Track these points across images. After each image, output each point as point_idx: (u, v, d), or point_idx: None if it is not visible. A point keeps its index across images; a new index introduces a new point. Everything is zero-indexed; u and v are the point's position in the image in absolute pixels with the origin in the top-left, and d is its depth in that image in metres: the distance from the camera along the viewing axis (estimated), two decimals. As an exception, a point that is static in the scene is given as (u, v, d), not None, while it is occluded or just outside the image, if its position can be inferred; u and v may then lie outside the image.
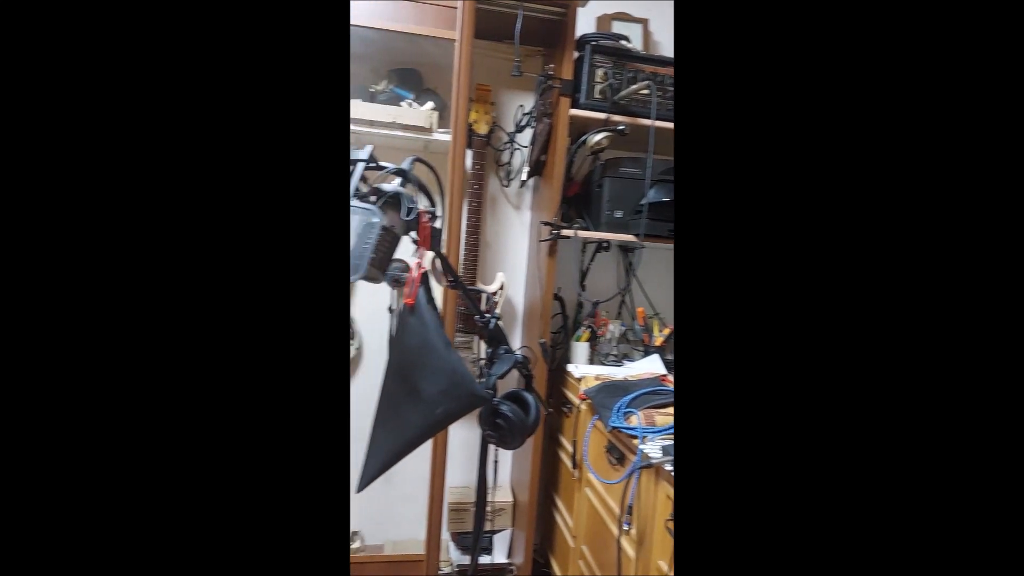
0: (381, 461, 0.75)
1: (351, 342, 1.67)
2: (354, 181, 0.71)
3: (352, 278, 0.68)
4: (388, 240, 0.72)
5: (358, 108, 1.48)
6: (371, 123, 1.49)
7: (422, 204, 0.78)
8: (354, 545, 1.71)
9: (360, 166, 0.71)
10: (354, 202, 0.72)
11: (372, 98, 1.53)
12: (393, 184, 0.76)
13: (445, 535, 1.76)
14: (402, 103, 1.54)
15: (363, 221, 0.72)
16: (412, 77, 1.59)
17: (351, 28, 1.38)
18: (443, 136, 1.54)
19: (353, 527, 1.76)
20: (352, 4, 1.35)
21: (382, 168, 0.74)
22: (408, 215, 0.74)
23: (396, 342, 0.77)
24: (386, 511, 1.79)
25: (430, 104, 1.56)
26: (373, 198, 0.75)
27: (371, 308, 1.71)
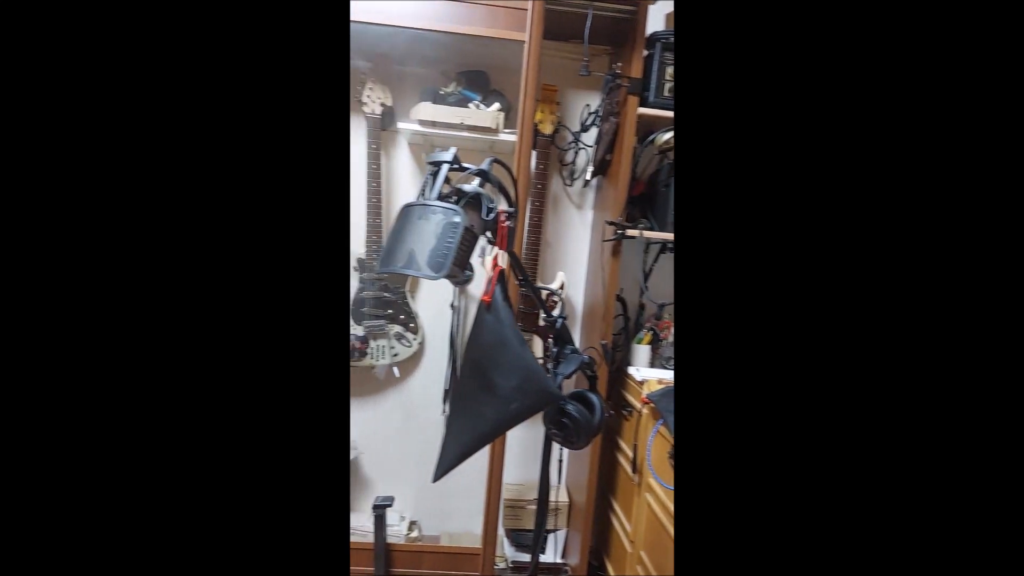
0: (457, 453, 0.77)
1: (414, 336, 1.72)
2: (439, 182, 0.74)
3: (435, 276, 0.70)
4: (469, 239, 0.74)
5: (426, 110, 1.53)
6: (437, 124, 1.53)
7: (499, 204, 0.79)
8: (412, 534, 1.77)
9: (444, 167, 0.74)
10: (436, 202, 0.74)
11: (441, 100, 1.57)
12: (473, 185, 0.78)
13: (500, 531, 1.78)
14: (470, 104, 1.57)
15: (444, 221, 0.74)
16: (480, 79, 1.62)
17: (421, 32, 1.42)
18: (508, 136, 1.56)
19: (411, 517, 1.81)
20: (424, 8, 1.39)
21: (464, 169, 0.76)
22: (488, 215, 0.76)
23: (472, 339, 0.79)
24: (443, 503, 1.84)
25: (496, 105, 1.58)
26: (453, 198, 0.77)
27: (434, 304, 1.75)
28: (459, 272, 0.74)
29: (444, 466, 0.78)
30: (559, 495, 1.80)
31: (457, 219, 0.73)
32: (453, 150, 0.75)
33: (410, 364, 1.78)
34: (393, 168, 1.72)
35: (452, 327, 1.75)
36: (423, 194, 0.76)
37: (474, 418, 0.77)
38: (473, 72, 1.62)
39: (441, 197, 0.76)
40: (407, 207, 0.76)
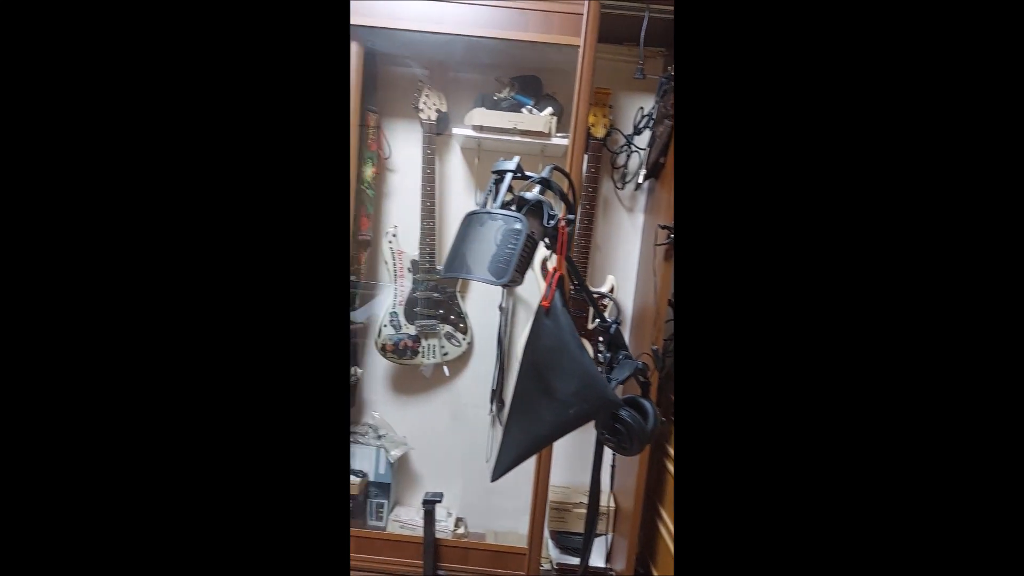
0: (515, 454, 0.79)
1: (464, 336, 1.76)
2: (502, 190, 0.76)
3: (498, 282, 0.72)
4: (530, 246, 0.75)
5: (480, 115, 1.56)
6: (490, 129, 1.55)
7: (559, 211, 0.81)
8: (459, 530, 1.80)
9: (508, 176, 0.76)
10: (499, 210, 0.76)
11: (495, 105, 1.59)
12: (534, 192, 0.80)
13: (544, 532, 1.79)
14: (522, 109, 1.59)
15: (505, 228, 0.76)
16: (533, 83, 1.64)
17: (477, 39, 1.45)
18: (560, 140, 1.56)
19: (458, 513, 1.85)
20: (480, 15, 1.42)
21: (527, 177, 0.78)
22: (549, 222, 0.77)
23: (531, 342, 0.80)
24: (488, 502, 1.86)
25: (549, 109, 1.59)
26: (513, 206, 0.79)
27: (482, 305, 1.78)
28: (520, 278, 0.76)
29: (502, 466, 0.80)
30: (605, 499, 1.80)
31: (518, 226, 0.75)
32: (516, 159, 0.76)
33: (459, 363, 1.82)
34: (446, 172, 1.76)
35: (500, 328, 1.78)
36: (486, 202, 0.79)
37: (532, 421, 0.78)
38: (526, 77, 1.64)
39: (503, 205, 0.78)
40: (471, 215, 0.79)
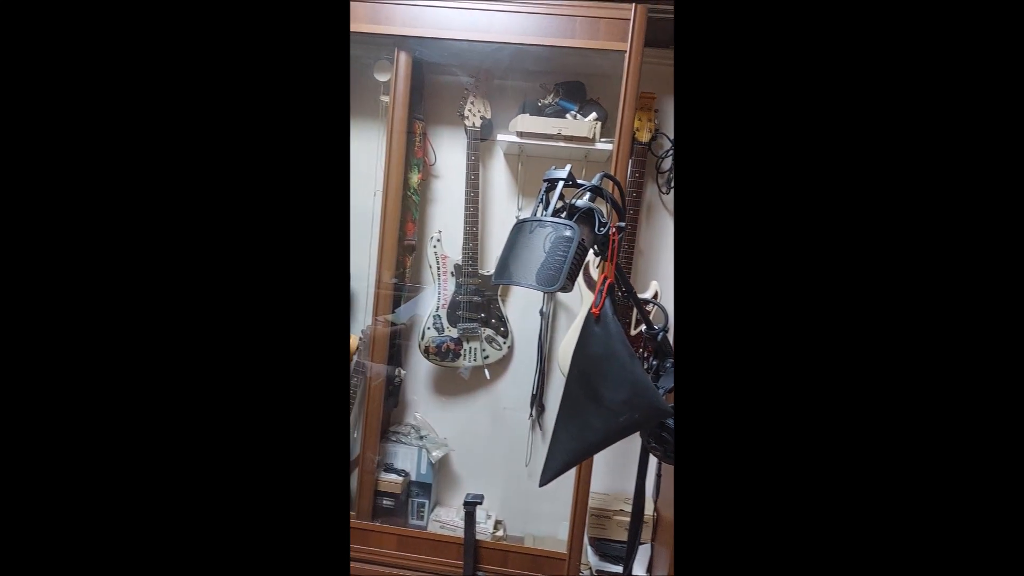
0: (564, 460, 0.80)
1: (504, 340, 1.77)
2: (554, 198, 0.77)
3: (549, 289, 0.73)
4: (581, 254, 0.76)
5: (524, 122, 1.57)
6: (534, 135, 1.57)
7: (610, 218, 0.81)
8: (498, 533, 1.82)
9: (560, 184, 0.77)
10: (550, 217, 0.77)
11: (539, 112, 1.61)
12: (584, 199, 0.80)
13: (584, 539, 1.78)
14: (567, 115, 1.59)
15: (555, 235, 0.77)
16: (577, 89, 1.64)
17: (524, 48, 1.46)
18: (604, 146, 1.56)
19: (497, 516, 1.86)
20: (527, 22, 1.44)
21: (579, 186, 0.79)
22: (600, 230, 0.77)
23: (579, 349, 0.81)
24: (528, 505, 1.87)
25: (593, 115, 1.59)
26: (564, 213, 0.80)
27: (523, 310, 1.79)
28: (571, 285, 0.77)
29: (550, 472, 0.81)
30: (646, 508, 1.77)
31: (568, 233, 0.76)
32: (568, 167, 0.77)
33: (499, 367, 1.84)
34: (489, 177, 1.79)
35: (540, 333, 1.78)
36: (536, 210, 0.80)
37: (581, 428, 0.79)
38: (571, 83, 1.64)
39: (555, 213, 0.79)
40: (520, 222, 0.80)
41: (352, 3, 1.48)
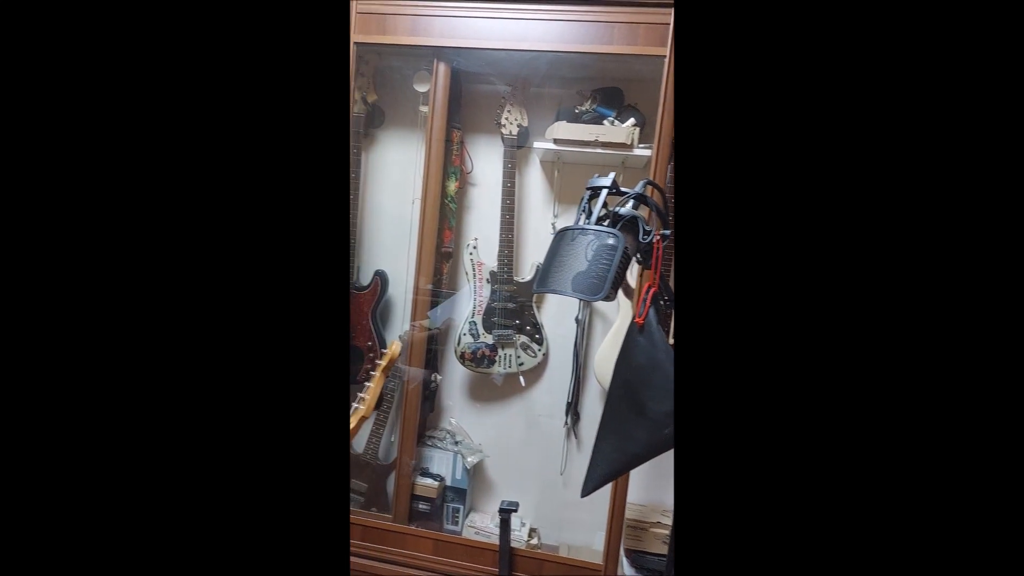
0: (606, 471, 0.79)
1: (539, 347, 1.77)
2: (597, 207, 0.76)
3: (593, 298, 0.72)
4: (625, 262, 0.75)
5: (561, 129, 1.57)
6: (570, 142, 1.56)
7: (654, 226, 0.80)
8: (532, 541, 1.80)
9: (604, 193, 0.76)
10: (592, 226, 0.77)
11: (576, 118, 1.60)
12: (627, 207, 0.79)
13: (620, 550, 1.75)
14: (604, 121, 1.59)
15: (598, 243, 0.76)
16: (614, 95, 1.63)
17: (561, 55, 1.47)
18: (643, 151, 1.54)
19: (532, 524, 1.85)
20: (564, 30, 1.44)
21: (622, 193, 0.78)
22: (644, 238, 0.76)
23: (623, 359, 0.80)
24: (562, 514, 1.85)
25: (631, 120, 1.58)
26: (607, 221, 0.79)
27: (558, 317, 1.78)
28: (614, 294, 0.76)
29: (593, 482, 0.80)
30: (684, 521, 1.73)
31: (611, 241, 0.75)
32: (612, 175, 0.77)
33: (534, 374, 1.83)
34: (525, 185, 1.79)
35: (576, 340, 1.77)
36: (579, 218, 0.79)
37: (625, 439, 0.77)
38: (608, 89, 1.64)
39: (598, 220, 0.78)
40: (563, 231, 0.80)
41: (391, 16, 1.52)
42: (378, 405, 1.51)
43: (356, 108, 1.63)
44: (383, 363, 1.37)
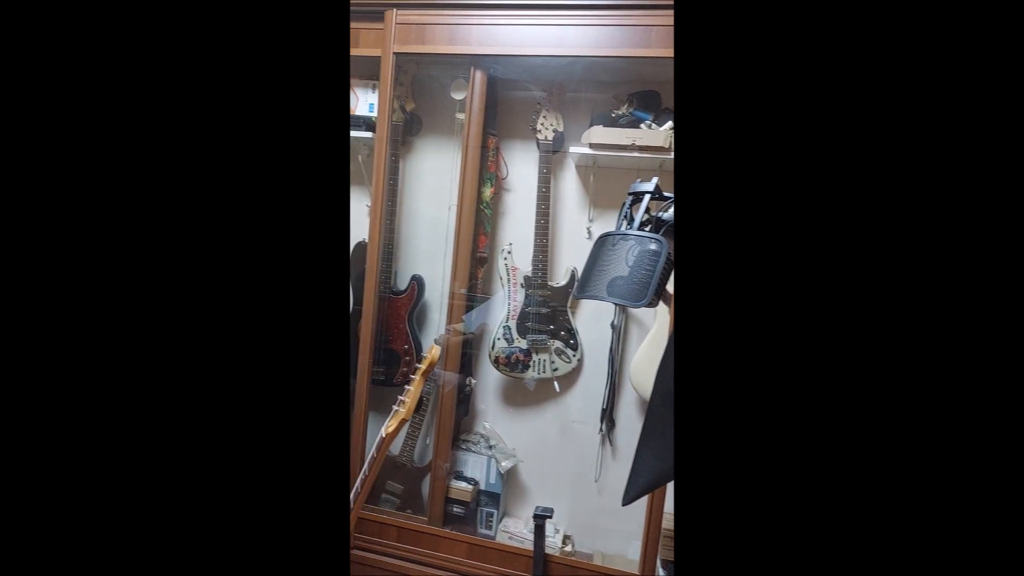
0: (648, 480, 0.77)
1: (574, 353, 1.76)
2: (640, 212, 0.76)
3: (637, 304, 0.72)
4: (668, 267, 0.74)
5: (597, 134, 1.56)
6: (607, 146, 1.55)
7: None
8: (566, 548, 1.79)
9: (646, 198, 0.75)
10: (634, 231, 0.76)
11: (612, 123, 1.59)
12: (670, 212, 0.78)
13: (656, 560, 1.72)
14: (641, 125, 1.57)
15: (639, 249, 0.76)
16: (652, 99, 1.61)
17: (597, 60, 1.46)
18: (681, 155, 1.52)
19: (566, 531, 1.84)
20: (600, 34, 1.43)
21: (666, 198, 0.77)
22: (688, 244, 0.75)
23: (663, 367, 0.79)
24: (597, 522, 1.83)
25: (668, 124, 1.56)
26: (649, 227, 0.79)
27: (593, 322, 1.77)
28: (657, 300, 0.75)
29: (634, 492, 0.79)
30: (723, 533, 1.68)
31: (654, 246, 0.75)
32: (655, 180, 0.76)
33: (569, 380, 1.82)
34: (560, 190, 1.79)
35: (611, 346, 1.75)
36: (620, 224, 0.79)
37: (665, 448, 0.76)
38: (645, 92, 1.62)
39: (640, 226, 0.78)
40: (603, 236, 0.79)
41: (429, 26, 1.55)
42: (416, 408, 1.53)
43: (394, 117, 1.67)
44: (423, 367, 1.39)
